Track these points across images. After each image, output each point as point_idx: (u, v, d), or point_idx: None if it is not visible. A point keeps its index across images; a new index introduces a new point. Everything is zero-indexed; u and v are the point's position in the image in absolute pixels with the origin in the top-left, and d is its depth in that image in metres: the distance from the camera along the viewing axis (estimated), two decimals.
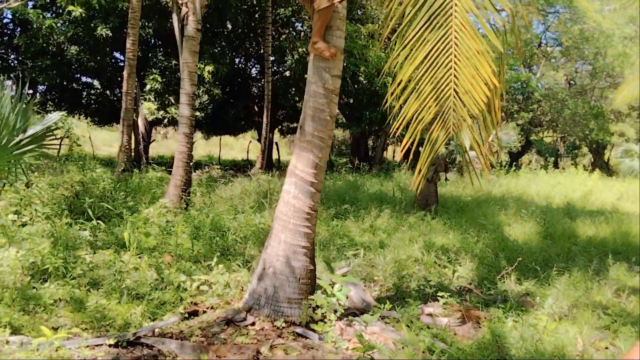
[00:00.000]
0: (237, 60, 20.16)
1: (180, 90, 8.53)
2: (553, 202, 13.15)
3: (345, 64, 16.98)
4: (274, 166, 19.76)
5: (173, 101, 15.61)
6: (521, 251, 7.24)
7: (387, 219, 8.90)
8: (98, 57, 14.99)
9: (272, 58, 16.81)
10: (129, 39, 11.70)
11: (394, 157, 28.05)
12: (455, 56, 4.11)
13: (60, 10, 13.97)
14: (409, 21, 4.33)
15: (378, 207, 9.50)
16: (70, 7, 13.32)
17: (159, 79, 15.10)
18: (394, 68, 4.47)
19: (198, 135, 23.90)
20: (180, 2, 8.12)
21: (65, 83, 16.54)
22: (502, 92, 4.29)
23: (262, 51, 20.16)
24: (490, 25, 4.19)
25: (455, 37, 4.10)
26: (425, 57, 4.20)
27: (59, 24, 14.20)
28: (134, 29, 11.59)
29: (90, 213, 6.97)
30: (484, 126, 4.33)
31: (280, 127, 23.38)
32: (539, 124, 27.26)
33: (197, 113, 16.15)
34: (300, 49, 16.91)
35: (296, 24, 20.46)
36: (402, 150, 4.61)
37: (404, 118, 4.36)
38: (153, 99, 15.18)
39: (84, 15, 13.48)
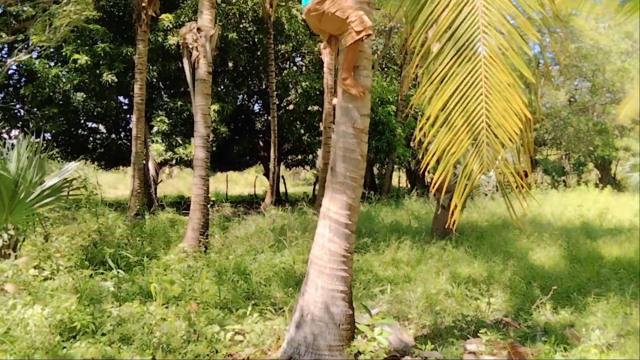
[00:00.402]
0: (240, 97, 20.26)
1: (194, 133, 8.51)
2: (569, 222, 13.01)
3: None
4: (283, 200, 19.68)
5: (180, 141, 15.61)
6: (551, 278, 7.10)
7: (408, 250, 8.78)
8: (104, 102, 15.05)
9: (275, 93, 16.83)
10: (136, 84, 11.77)
11: (399, 183, 27.97)
12: (485, 89, 4.07)
13: (66, 59, 14.06)
14: (434, 56, 4.30)
15: (397, 239, 9.38)
16: (76, 56, 13.43)
17: (166, 121, 15.14)
18: (422, 104, 4.43)
19: None
20: (190, 46, 8.16)
21: (72, 129, 16.58)
22: (536, 122, 4.23)
23: (264, 87, 20.32)
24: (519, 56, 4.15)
25: (485, 70, 4.06)
26: (455, 91, 4.16)
27: (64, 73, 14.30)
28: (141, 74, 11.67)
29: (111, 263, 6.86)
30: (518, 158, 4.26)
31: (285, 160, 23.39)
32: (542, 142, 27.27)
33: None
34: (303, 83, 17.00)
35: (296, 59, 20.66)
36: (433, 186, 4.52)
37: (434, 153, 4.30)
38: (160, 141, 15.19)
39: (89, 62, 13.58)
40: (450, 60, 4.16)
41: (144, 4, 11.29)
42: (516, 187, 4.18)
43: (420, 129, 4.33)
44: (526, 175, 4.35)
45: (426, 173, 24.18)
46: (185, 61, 8.40)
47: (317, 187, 22.85)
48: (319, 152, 21.90)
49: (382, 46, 21.58)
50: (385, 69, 21.38)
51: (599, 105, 26.34)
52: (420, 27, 4.38)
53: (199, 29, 8.16)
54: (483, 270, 7.66)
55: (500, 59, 4.06)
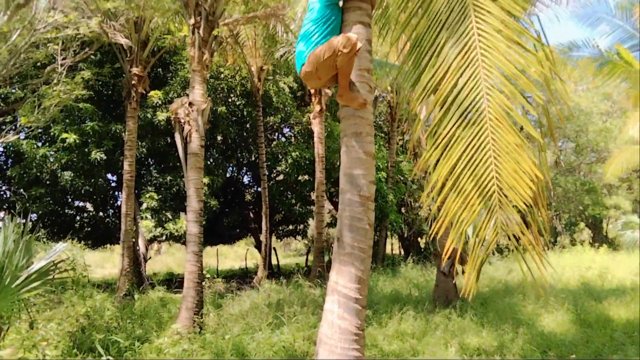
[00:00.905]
0: (230, 169, 20.23)
1: (187, 208, 8.30)
2: (570, 284, 12.75)
3: (338, 164, 17.07)
4: (276, 273, 19.23)
5: (170, 217, 15.35)
6: (566, 345, 6.78)
7: (412, 321, 8.42)
8: (92, 180, 14.87)
9: (265, 164, 16.80)
10: (126, 161, 11.65)
11: (392, 250, 27.63)
12: (493, 151, 3.95)
13: (54, 139, 13.99)
14: (438, 121, 4.21)
15: (399, 310, 9.03)
16: (65, 135, 13.36)
17: (155, 196, 14.93)
18: (428, 170, 4.30)
19: None
20: (182, 120, 8.09)
21: (58, 209, 16.27)
22: (547, 183, 4.10)
23: (253, 159, 20.33)
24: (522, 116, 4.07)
25: (492, 132, 3.96)
26: (462, 155, 4.04)
27: (52, 152, 14.18)
28: (131, 150, 11.57)
29: (101, 349, 6.45)
30: (533, 220, 4.09)
31: (276, 231, 23.09)
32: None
33: (186, 223, 15.87)
34: (293, 153, 17.02)
35: (284, 130, 20.84)
36: (445, 253, 4.31)
37: (444, 219, 4.13)
38: (150, 217, 14.91)
39: (78, 141, 13.49)
40: (455, 124, 4.07)
41: (134, 82, 11.35)
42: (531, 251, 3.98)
43: (428, 195, 4.17)
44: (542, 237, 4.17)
45: (419, 239, 23.95)
46: (177, 136, 8.31)
47: (309, 257, 22.46)
48: (311, 221, 21.72)
49: None
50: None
51: (584, 165, 26.67)
52: (421, 93, 4.32)
53: (190, 104, 8.13)
54: (493, 340, 7.32)
55: (505, 120, 3.97)
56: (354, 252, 4.05)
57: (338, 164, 17.17)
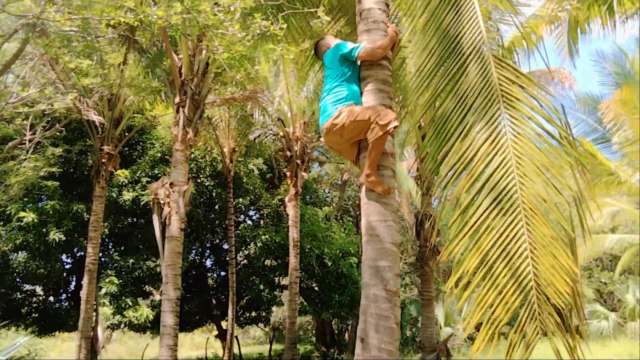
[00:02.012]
0: (193, 252, 19.44)
1: (162, 296, 7.66)
2: None
3: (309, 247, 16.63)
4: None
5: (130, 303, 14.36)
6: None
7: None
8: (47, 263, 13.88)
9: (234, 247, 16.20)
10: (90, 243, 10.94)
11: None
12: (530, 243, 3.69)
13: (9, 218, 13.11)
14: (465, 208, 3.96)
15: None
16: (22, 214, 12.54)
17: (116, 281, 14.00)
18: (453, 258, 3.99)
19: (147, 337, 21.97)
20: (162, 202, 7.63)
21: (7, 293, 15.01)
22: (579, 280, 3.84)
23: (218, 241, 19.65)
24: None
25: (527, 223, 3.72)
26: (493, 245, 3.77)
27: (5, 232, 13.25)
28: (95, 232, 10.91)
29: None
30: (571, 320, 3.78)
31: (238, 318, 22.01)
32: None
33: (148, 311, 14.90)
34: (262, 237, 16.53)
35: (250, 212, 20.39)
36: (476, 350, 3.91)
37: (476, 315, 3.78)
38: (108, 303, 13.91)
39: (36, 220, 12.67)
40: (486, 210, 3.82)
41: (104, 160, 10.87)
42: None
43: (456, 285, 3.84)
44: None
45: None
46: (155, 218, 7.82)
47: (273, 347, 21.39)
48: (274, 308, 20.85)
49: (337, 199, 21.77)
50: (342, 220, 21.34)
51: None
52: (444, 177, 4.10)
53: (171, 184, 7.72)
54: None
55: (539, 211, 3.76)
56: (382, 356, 3.61)
57: (308, 247, 16.73)
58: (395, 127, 3.79)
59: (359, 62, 4.13)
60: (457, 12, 4.27)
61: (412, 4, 4.49)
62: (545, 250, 3.69)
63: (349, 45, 4.08)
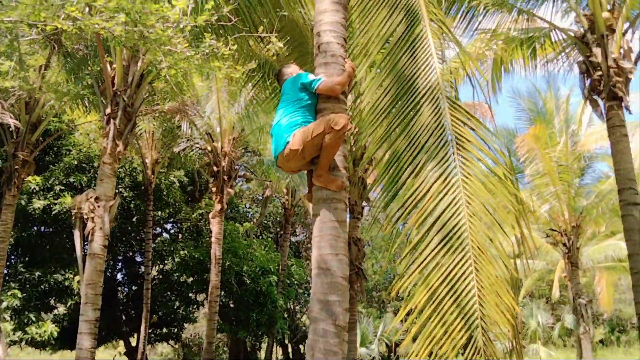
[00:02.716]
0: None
1: (80, 317, 7.19)
2: None
3: (228, 264, 16.31)
4: None
5: (34, 319, 13.41)
6: None
7: None
8: None
9: (150, 262, 15.59)
10: None
11: (277, 358, 26.43)
12: (477, 282, 3.82)
13: None
14: (416, 244, 4.04)
15: None
16: None
17: (19, 295, 13.04)
18: (402, 293, 4.05)
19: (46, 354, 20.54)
20: (85, 216, 7.21)
21: None
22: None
23: (131, 254, 18.87)
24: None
25: (475, 262, 3.85)
26: (442, 283, 3.87)
27: None
28: (3, 243, 10.12)
29: None
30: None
31: (150, 335, 21.16)
32: None
33: (53, 327, 14.01)
34: (181, 252, 16.05)
35: (167, 225, 19.74)
36: None
37: (422, 349, 3.85)
38: (9, 318, 12.92)
39: None
40: (435, 248, 3.92)
41: (17, 167, 10.13)
42: None
43: (404, 320, 3.89)
44: None
45: (301, 345, 23.19)
46: (77, 233, 7.39)
47: None
48: (186, 325, 20.21)
49: (258, 215, 21.58)
50: (261, 237, 21.14)
51: None
52: (392, 214, 4.16)
53: (97, 198, 7.31)
54: None
55: (487, 250, 3.90)
56: None
57: (228, 264, 16.39)
58: (350, 129, 3.87)
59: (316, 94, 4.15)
60: (413, 53, 4.38)
61: (370, 41, 4.56)
62: (491, 289, 3.82)
63: (310, 76, 4.09)
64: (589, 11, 8.26)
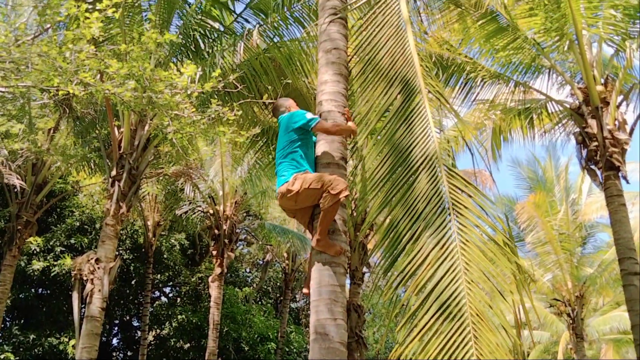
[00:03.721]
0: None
1: None
2: None
3: (226, 330, 16.02)
4: None
5: None
6: None
7: None
8: None
9: (147, 326, 15.32)
10: None
11: None
12: (477, 350, 3.78)
13: None
14: (414, 311, 4.03)
15: None
16: None
17: (12, 358, 12.74)
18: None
19: None
20: (85, 277, 7.19)
21: None
22: None
23: (127, 318, 18.56)
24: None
25: (474, 330, 3.83)
26: (440, 351, 3.83)
27: None
28: (0, 304, 10.02)
29: None
30: None
31: None
32: None
33: None
34: (179, 316, 15.79)
35: (166, 289, 19.52)
36: None
37: None
38: None
39: None
40: (434, 315, 3.91)
41: (19, 227, 10.19)
42: None
43: None
44: None
45: None
46: (75, 295, 7.34)
47: None
48: None
49: (258, 279, 21.36)
50: (261, 303, 20.84)
51: None
52: (392, 280, 4.18)
53: (97, 260, 7.32)
54: None
55: (487, 318, 3.89)
56: None
57: (226, 329, 16.10)
58: (346, 197, 3.94)
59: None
60: (410, 123, 4.53)
61: (370, 109, 4.73)
62: (492, 357, 3.78)
63: (308, 115, 4.24)
64: (583, 84, 8.51)
